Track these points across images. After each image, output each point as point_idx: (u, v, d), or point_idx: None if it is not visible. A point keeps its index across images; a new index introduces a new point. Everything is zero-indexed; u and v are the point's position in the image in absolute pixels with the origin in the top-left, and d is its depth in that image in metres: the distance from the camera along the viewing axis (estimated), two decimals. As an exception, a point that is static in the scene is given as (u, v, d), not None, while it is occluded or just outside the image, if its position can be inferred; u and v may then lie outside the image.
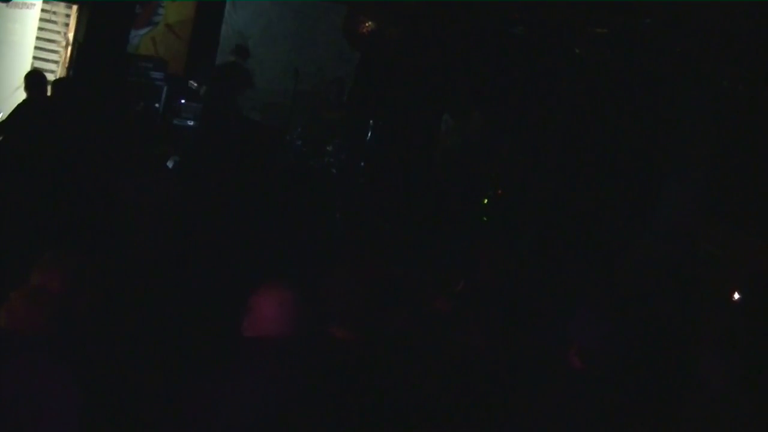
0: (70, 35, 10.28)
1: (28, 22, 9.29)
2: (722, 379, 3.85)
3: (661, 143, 7.66)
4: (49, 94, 7.12)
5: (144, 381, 3.52)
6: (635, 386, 3.86)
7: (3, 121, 6.78)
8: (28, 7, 9.07)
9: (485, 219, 8.97)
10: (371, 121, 9.59)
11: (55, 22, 10.72)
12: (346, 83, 10.59)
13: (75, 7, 10.08)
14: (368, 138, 9.56)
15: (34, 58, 10.32)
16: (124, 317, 3.96)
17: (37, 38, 10.49)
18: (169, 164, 7.23)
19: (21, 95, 8.67)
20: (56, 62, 10.74)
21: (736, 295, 3.36)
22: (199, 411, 3.00)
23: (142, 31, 10.65)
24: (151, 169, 5.92)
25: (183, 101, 10.03)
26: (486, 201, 9.12)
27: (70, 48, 10.16)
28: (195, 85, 9.66)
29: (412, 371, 3.87)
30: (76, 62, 9.50)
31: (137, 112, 9.18)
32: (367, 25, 8.77)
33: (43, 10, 10.59)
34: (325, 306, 3.56)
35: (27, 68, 9.30)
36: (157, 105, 10.05)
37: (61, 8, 10.65)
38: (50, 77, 8.44)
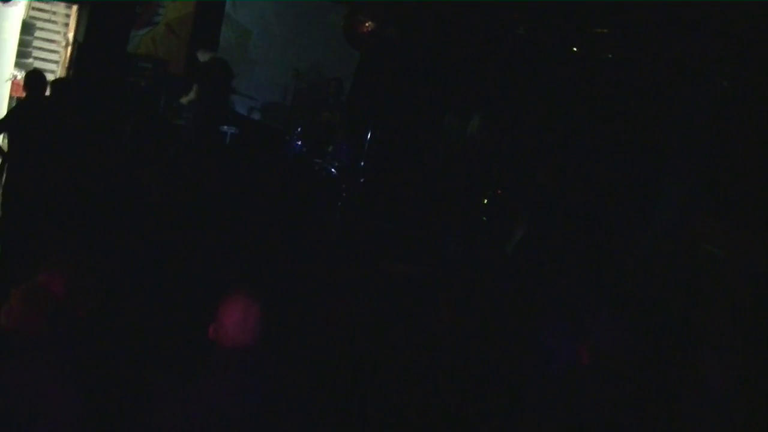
0: (70, 35, 10.29)
1: (14, 19, 9.36)
2: (722, 379, 3.85)
3: (661, 143, 7.65)
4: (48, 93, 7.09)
5: (142, 382, 3.51)
6: (636, 385, 3.86)
7: (1, 120, 6.77)
8: (15, 5, 9.14)
9: (485, 219, 8.96)
10: (371, 121, 9.59)
11: (55, 22, 10.73)
12: (344, 83, 10.58)
13: (75, 7, 10.08)
14: (368, 138, 9.55)
15: (34, 58, 10.33)
16: (124, 319, 3.95)
17: (37, 38, 10.50)
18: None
19: (7, 88, 8.71)
20: (56, 62, 10.74)
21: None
22: (167, 417, 3.00)
23: (142, 31, 10.66)
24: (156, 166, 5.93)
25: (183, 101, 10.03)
26: (486, 201, 9.11)
27: (70, 48, 10.17)
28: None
29: (412, 371, 3.87)
30: (76, 62, 9.50)
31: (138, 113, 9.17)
32: (366, 25, 8.76)
33: (42, 10, 10.60)
34: (324, 312, 3.57)
35: (11, 63, 9.36)
36: (156, 105, 10.06)
37: (61, 8, 10.66)
38: (50, 77, 8.44)
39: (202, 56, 9.72)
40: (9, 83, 9.22)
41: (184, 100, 9.86)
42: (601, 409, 3.52)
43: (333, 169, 9.50)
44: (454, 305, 4.36)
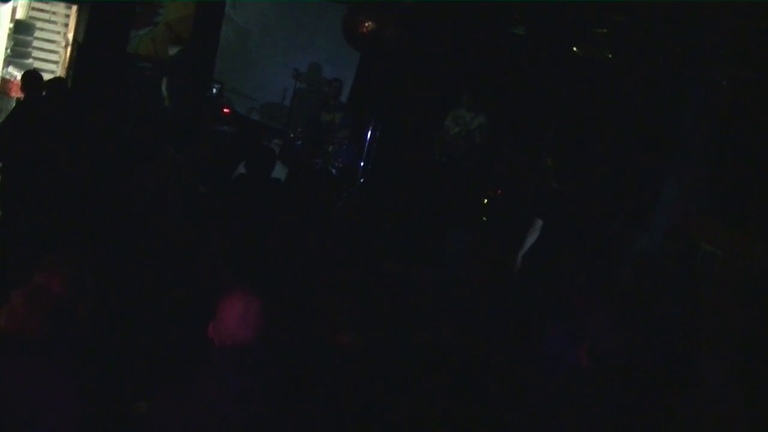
0: (70, 35, 10.29)
1: (4, 16, 9.40)
2: (721, 379, 3.85)
3: (661, 144, 7.65)
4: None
5: (140, 384, 3.51)
6: (635, 385, 3.86)
7: (2, 121, 6.77)
8: (7, 3, 9.20)
9: (485, 219, 8.97)
10: (371, 121, 9.60)
11: (54, 23, 10.73)
12: (344, 84, 10.57)
13: (75, 8, 10.08)
14: (368, 138, 9.55)
15: (34, 58, 10.33)
16: (123, 319, 3.94)
17: (37, 38, 10.50)
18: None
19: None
20: (56, 62, 10.75)
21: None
22: (166, 418, 2.99)
23: (142, 31, 10.65)
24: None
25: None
26: (486, 201, 9.12)
27: (69, 48, 10.17)
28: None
29: (413, 372, 3.87)
30: (75, 62, 9.50)
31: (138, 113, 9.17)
32: (366, 25, 8.76)
33: (42, 10, 10.60)
34: (330, 314, 3.56)
35: (0, 61, 9.37)
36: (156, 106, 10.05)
37: (60, 8, 10.66)
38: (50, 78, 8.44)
39: (171, 50, 9.75)
40: None
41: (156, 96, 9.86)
42: (600, 410, 3.51)
43: (333, 170, 9.50)
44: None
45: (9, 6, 9.39)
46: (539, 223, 6.95)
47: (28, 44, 10.21)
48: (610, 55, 7.37)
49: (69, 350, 3.22)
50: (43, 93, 6.74)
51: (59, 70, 10.49)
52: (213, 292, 3.35)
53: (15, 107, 7.34)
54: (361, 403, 3.45)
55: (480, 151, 9.25)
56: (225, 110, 10.23)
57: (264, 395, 3.09)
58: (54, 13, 10.65)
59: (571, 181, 7.89)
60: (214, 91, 9.54)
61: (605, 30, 7.16)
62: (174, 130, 9.52)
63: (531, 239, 6.97)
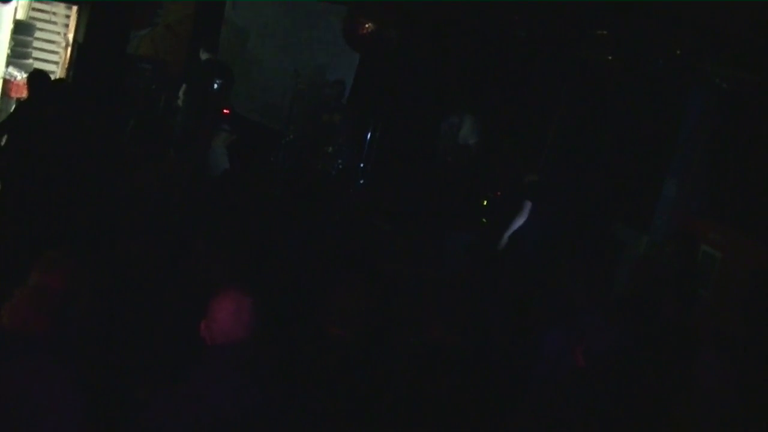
0: (70, 36, 10.29)
1: (7, 18, 9.41)
2: (721, 380, 3.85)
3: (661, 145, 7.65)
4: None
5: (141, 382, 3.51)
6: (633, 386, 3.86)
7: (3, 120, 6.78)
8: (8, 4, 9.22)
9: (485, 221, 8.96)
10: (371, 123, 9.60)
11: (55, 23, 10.73)
12: (345, 85, 10.57)
13: (75, 8, 10.09)
14: (368, 139, 9.55)
15: (34, 58, 10.34)
16: (124, 317, 3.95)
17: (37, 39, 10.51)
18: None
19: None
20: (56, 63, 10.75)
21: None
22: (162, 418, 2.98)
23: (142, 32, 10.65)
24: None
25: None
26: (485, 203, 9.12)
27: (70, 49, 10.17)
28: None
29: (411, 372, 3.87)
30: (75, 63, 9.50)
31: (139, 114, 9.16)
32: (367, 26, 8.75)
33: (42, 11, 10.61)
34: (327, 308, 3.57)
35: (3, 62, 9.35)
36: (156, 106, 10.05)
37: (61, 9, 10.66)
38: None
39: (203, 54, 9.73)
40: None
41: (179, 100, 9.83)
42: (598, 411, 3.52)
43: (333, 171, 9.50)
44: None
45: (11, 6, 9.39)
46: (528, 205, 7.08)
47: (28, 44, 10.21)
48: (609, 57, 7.38)
49: (70, 347, 3.22)
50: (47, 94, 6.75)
51: (59, 71, 10.49)
52: (208, 289, 3.36)
53: (16, 107, 7.35)
54: (357, 401, 3.45)
55: (477, 153, 9.25)
56: (225, 110, 10.21)
57: (259, 392, 3.09)
58: (54, 13, 10.65)
59: (571, 183, 7.90)
60: (215, 86, 9.49)
61: (605, 32, 7.18)
62: (175, 131, 9.53)
63: (518, 221, 7.12)
